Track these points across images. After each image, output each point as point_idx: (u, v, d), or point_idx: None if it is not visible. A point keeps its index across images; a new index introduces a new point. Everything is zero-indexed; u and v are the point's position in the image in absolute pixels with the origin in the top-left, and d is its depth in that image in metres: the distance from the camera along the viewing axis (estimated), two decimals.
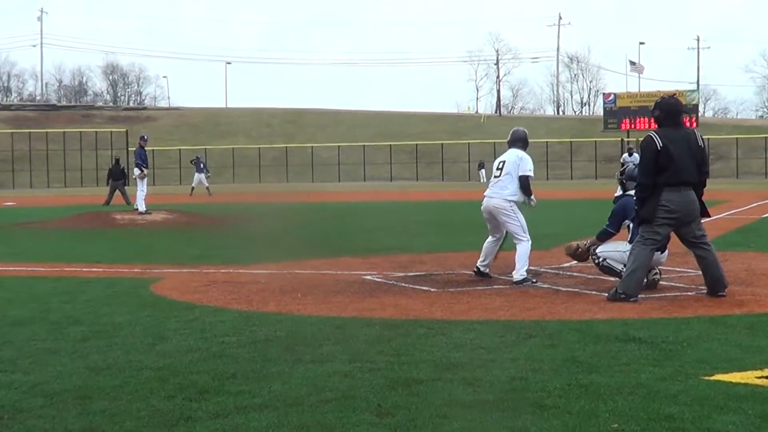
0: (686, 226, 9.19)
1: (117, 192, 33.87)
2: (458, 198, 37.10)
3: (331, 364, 6.33)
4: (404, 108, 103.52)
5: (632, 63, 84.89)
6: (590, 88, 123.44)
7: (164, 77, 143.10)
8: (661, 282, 9.91)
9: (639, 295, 9.02)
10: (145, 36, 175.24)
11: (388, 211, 29.99)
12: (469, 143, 74.45)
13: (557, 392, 5.46)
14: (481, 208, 10.93)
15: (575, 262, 11.01)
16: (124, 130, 69.51)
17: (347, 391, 5.56)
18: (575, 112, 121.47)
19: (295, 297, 9.63)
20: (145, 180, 25.27)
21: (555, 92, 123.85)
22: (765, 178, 62.78)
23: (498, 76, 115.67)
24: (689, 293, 9.49)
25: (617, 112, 65.00)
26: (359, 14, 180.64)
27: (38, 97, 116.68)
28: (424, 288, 10.19)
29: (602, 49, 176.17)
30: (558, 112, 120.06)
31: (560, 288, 10.02)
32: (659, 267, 9.94)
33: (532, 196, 10.73)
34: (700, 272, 9.43)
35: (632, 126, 63.14)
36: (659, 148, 8.99)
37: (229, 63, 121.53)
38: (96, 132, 72.78)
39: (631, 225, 9.98)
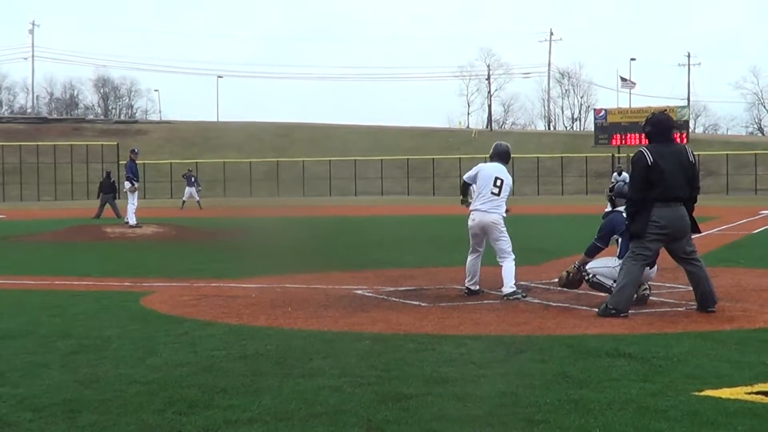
0: (677, 241, 9.21)
1: (107, 205, 33.82)
2: (449, 213, 37.07)
3: (321, 378, 6.31)
4: (395, 123, 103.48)
5: (623, 79, 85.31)
6: (581, 104, 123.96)
7: (155, 91, 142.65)
8: (651, 297, 9.93)
9: (629, 311, 9.03)
10: (136, 49, 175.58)
11: (379, 225, 30.01)
12: (460, 158, 74.41)
13: (548, 407, 5.46)
14: (471, 223, 10.82)
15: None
16: (115, 143, 69.31)
17: (337, 406, 5.55)
18: (566, 128, 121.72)
19: (285, 311, 9.62)
20: (136, 193, 25.23)
21: (546, 108, 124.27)
22: (755, 194, 62.98)
23: (489, 92, 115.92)
24: (679, 309, 9.50)
25: (608, 127, 65.06)
26: (351, 29, 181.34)
27: (29, 110, 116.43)
28: (414, 303, 10.18)
29: (593, 65, 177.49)
30: (549, 128, 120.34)
31: (551, 303, 10.03)
32: (649, 282, 9.96)
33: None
34: (690, 288, 9.45)
35: (623, 142, 63.18)
36: (650, 163, 9.03)
37: (220, 77, 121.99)
38: (87, 145, 72.55)
39: (620, 240, 10.02)
